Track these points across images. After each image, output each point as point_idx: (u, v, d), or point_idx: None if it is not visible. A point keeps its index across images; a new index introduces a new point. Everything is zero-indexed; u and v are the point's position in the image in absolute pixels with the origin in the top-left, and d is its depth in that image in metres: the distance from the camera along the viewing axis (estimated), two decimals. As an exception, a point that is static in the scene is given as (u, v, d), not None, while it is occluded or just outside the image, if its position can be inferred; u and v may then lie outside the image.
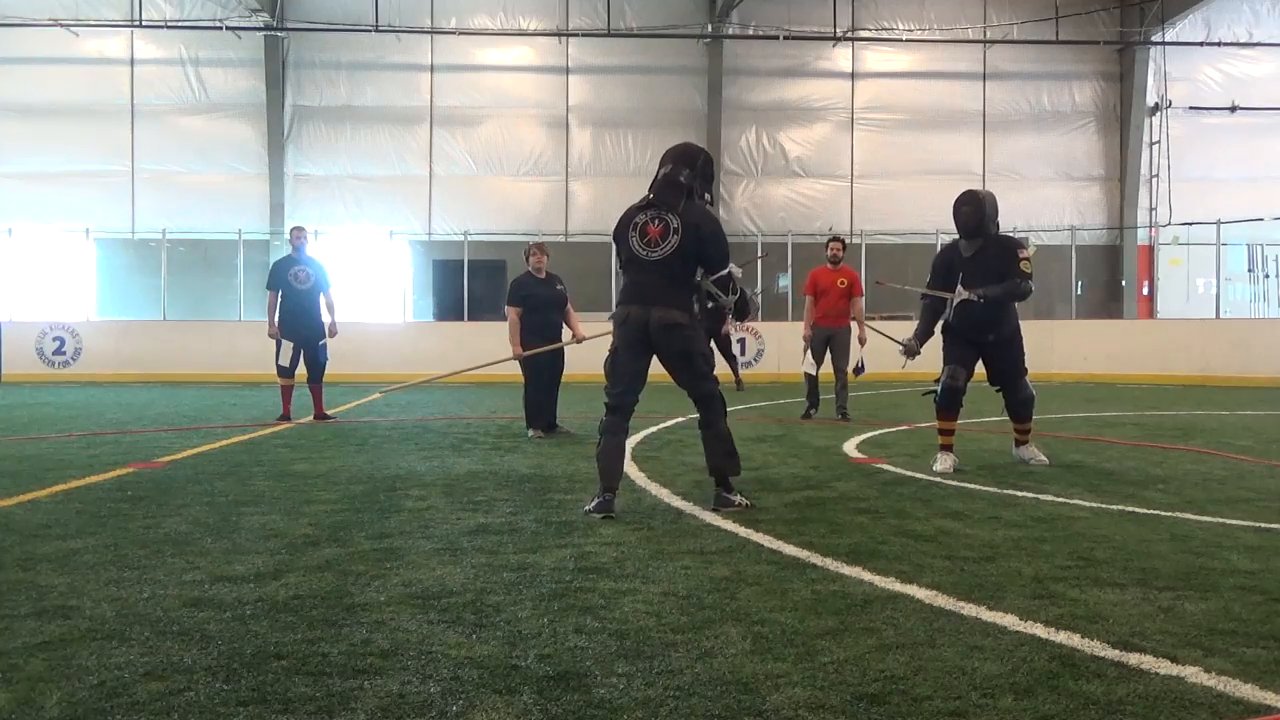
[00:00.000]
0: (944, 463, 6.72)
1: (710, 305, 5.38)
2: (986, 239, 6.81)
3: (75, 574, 3.86)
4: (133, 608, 3.41)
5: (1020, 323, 7.01)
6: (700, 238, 5.14)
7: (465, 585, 3.70)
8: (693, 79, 22.40)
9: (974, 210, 6.77)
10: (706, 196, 5.35)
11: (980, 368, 7.02)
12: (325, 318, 10.57)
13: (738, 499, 5.24)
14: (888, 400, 13.52)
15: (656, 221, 5.18)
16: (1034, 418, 7.17)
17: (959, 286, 6.77)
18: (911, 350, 7.10)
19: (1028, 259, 6.77)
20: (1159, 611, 3.34)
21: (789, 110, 22.68)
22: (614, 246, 5.45)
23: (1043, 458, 7.01)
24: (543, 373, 8.93)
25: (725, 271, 5.25)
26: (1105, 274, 22.96)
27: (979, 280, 6.73)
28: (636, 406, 5.32)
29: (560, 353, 9.05)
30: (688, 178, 5.23)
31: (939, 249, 7.38)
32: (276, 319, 10.32)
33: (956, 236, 7.04)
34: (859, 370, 9.76)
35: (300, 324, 10.32)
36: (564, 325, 9.18)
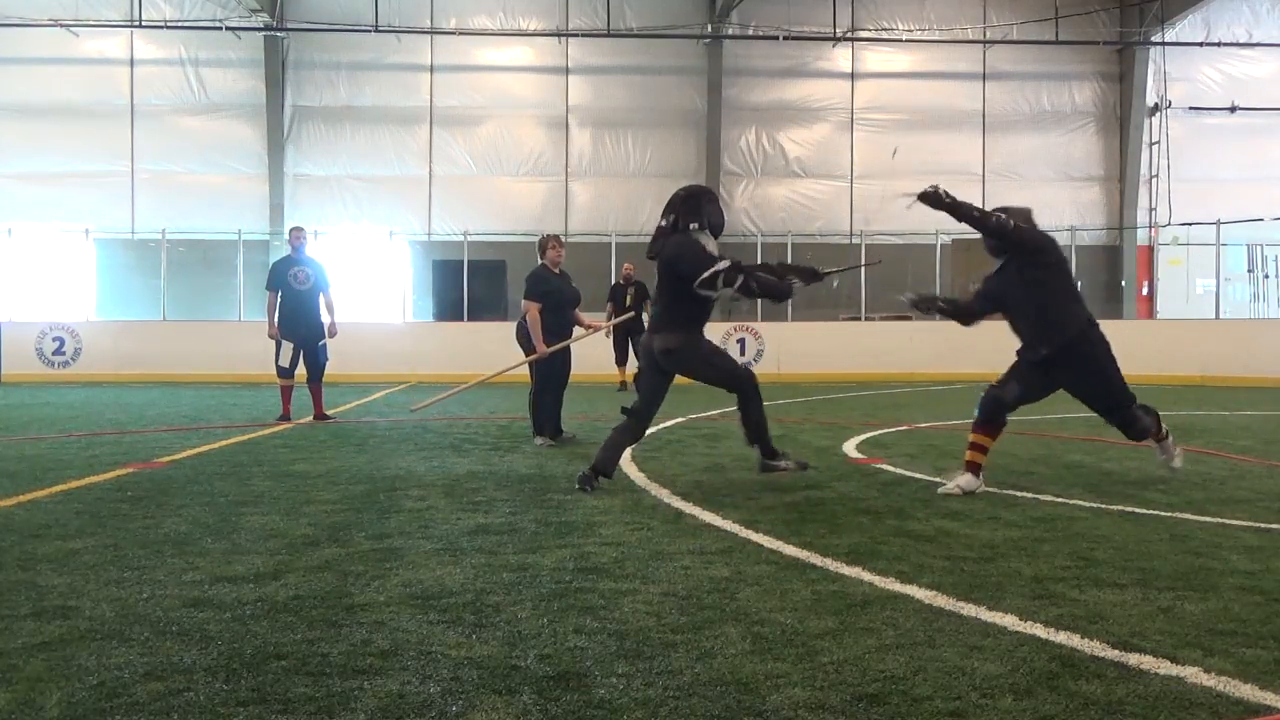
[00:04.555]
0: (958, 480, 5.78)
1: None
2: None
3: (75, 574, 3.86)
4: (133, 608, 3.40)
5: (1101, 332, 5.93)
6: (671, 264, 5.84)
7: (465, 585, 3.70)
8: (693, 79, 22.41)
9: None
10: (693, 225, 5.88)
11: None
12: (325, 318, 10.57)
13: (785, 464, 6.09)
14: (887, 400, 13.52)
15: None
16: (1138, 430, 6.11)
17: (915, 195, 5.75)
18: (916, 299, 6.24)
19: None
20: (1159, 611, 3.34)
21: (789, 110, 22.68)
22: None
23: (1176, 463, 6.24)
24: (554, 376, 8.47)
25: (704, 276, 5.69)
26: (1105, 274, 22.95)
27: (1011, 294, 5.90)
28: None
29: (570, 354, 8.59)
30: (670, 221, 5.96)
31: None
32: (276, 319, 10.32)
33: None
34: None
35: (300, 324, 10.32)
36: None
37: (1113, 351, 5.94)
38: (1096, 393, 5.97)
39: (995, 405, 5.87)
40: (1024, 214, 6.01)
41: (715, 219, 5.96)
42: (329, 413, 10.65)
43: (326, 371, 10.59)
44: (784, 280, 5.96)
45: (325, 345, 10.48)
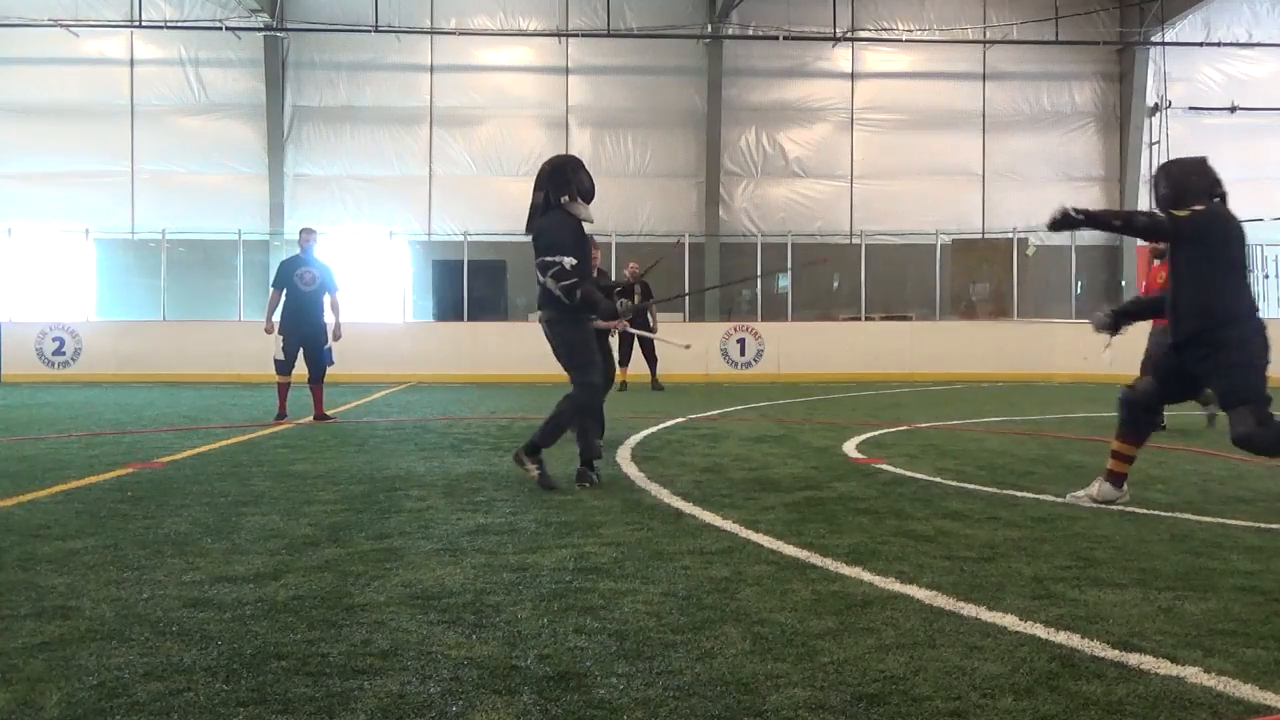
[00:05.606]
0: (1089, 489, 5.46)
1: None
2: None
3: (75, 574, 3.86)
4: (133, 608, 3.41)
5: (1246, 321, 5.13)
6: (537, 240, 5.91)
7: (465, 585, 3.70)
8: (693, 79, 22.40)
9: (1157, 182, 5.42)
10: (564, 199, 5.93)
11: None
12: (329, 319, 10.55)
13: (532, 468, 5.94)
14: (888, 400, 13.52)
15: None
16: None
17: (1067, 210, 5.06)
18: (1100, 322, 5.64)
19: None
20: (1159, 611, 3.34)
21: (789, 110, 22.67)
22: None
23: None
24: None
25: (544, 259, 5.81)
26: (1105, 274, 22.95)
27: (1175, 273, 5.28)
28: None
29: None
30: (540, 198, 5.97)
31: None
32: (278, 318, 10.31)
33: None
34: None
35: (303, 324, 10.31)
36: None
37: (1265, 352, 5.06)
38: (1224, 382, 5.06)
39: (1129, 407, 5.39)
40: (1195, 167, 5.43)
41: (585, 185, 6.03)
42: (329, 413, 10.65)
43: (327, 371, 10.59)
44: (611, 302, 6.13)
45: (330, 349, 10.47)
